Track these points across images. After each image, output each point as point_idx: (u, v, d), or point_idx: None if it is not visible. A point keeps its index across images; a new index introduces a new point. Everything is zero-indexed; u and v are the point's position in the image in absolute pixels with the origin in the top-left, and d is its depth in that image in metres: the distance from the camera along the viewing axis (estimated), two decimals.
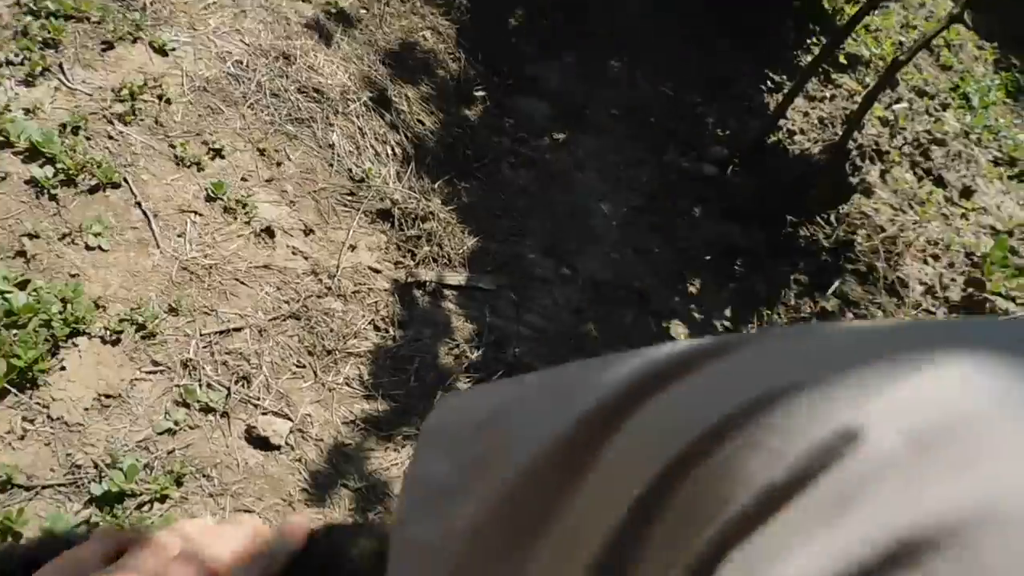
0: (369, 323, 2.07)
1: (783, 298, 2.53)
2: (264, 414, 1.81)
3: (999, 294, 2.68)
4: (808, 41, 3.70)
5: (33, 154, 2.03)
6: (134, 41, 2.40)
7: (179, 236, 2.03)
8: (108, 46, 2.36)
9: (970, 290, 2.72)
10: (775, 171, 2.71)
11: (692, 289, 2.48)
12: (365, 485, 1.76)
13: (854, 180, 2.82)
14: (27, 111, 2.13)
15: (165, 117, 2.25)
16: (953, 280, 2.77)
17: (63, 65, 2.26)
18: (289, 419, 1.81)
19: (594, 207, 2.59)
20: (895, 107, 3.51)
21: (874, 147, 3.27)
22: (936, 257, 2.84)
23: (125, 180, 2.07)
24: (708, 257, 2.55)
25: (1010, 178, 3.56)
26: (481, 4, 3.17)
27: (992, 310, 2.63)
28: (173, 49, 2.43)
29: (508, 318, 2.21)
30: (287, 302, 2.02)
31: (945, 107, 3.75)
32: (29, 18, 2.34)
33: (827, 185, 2.49)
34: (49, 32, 2.31)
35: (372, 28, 2.84)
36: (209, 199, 2.13)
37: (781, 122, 3.23)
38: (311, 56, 2.59)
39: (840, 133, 3.20)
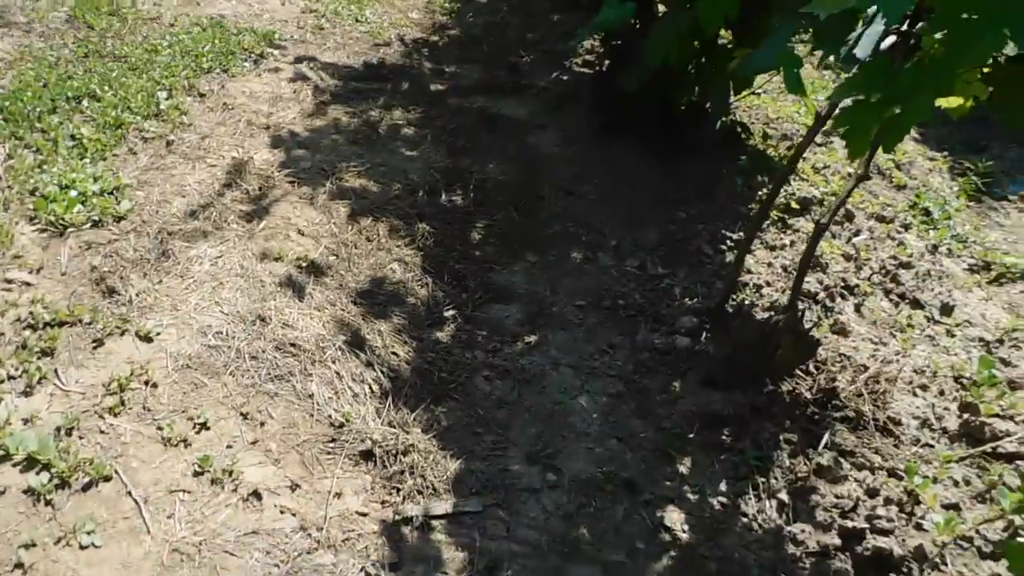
0: (361, 571, 2.08)
1: (776, 461, 2.50)
2: None
3: (996, 415, 2.63)
4: (759, 193, 3.87)
5: (30, 463, 2.16)
6: (122, 334, 2.60)
7: (169, 518, 2.11)
8: (98, 343, 2.56)
9: (966, 415, 2.67)
10: (744, 331, 2.76)
11: (682, 469, 2.47)
12: None
13: (816, 333, 2.86)
14: (25, 421, 2.29)
15: (152, 401, 2.40)
16: (947, 409, 2.73)
17: (58, 370, 2.45)
18: None
19: (572, 403, 2.65)
20: (855, 240, 3.61)
21: (842, 284, 3.33)
22: (925, 387, 2.82)
23: (116, 472, 2.18)
24: (692, 434, 2.56)
25: (989, 283, 3.58)
26: (442, 226, 3.40)
27: (993, 435, 2.57)
28: (158, 334, 2.62)
29: (499, 537, 2.21)
30: (277, 565, 2.05)
31: (907, 227, 3.84)
32: (28, 332, 2.56)
33: (790, 343, 2.53)
34: (45, 342, 2.51)
35: (342, 272, 3.05)
36: (196, 474, 2.22)
37: (747, 277, 3.33)
38: (285, 313, 2.77)
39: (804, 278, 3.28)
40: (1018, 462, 2.53)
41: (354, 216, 3.34)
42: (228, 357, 2.58)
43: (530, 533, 2.23)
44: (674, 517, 2.32)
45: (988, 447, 2.54)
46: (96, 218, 3.07)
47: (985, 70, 1.77)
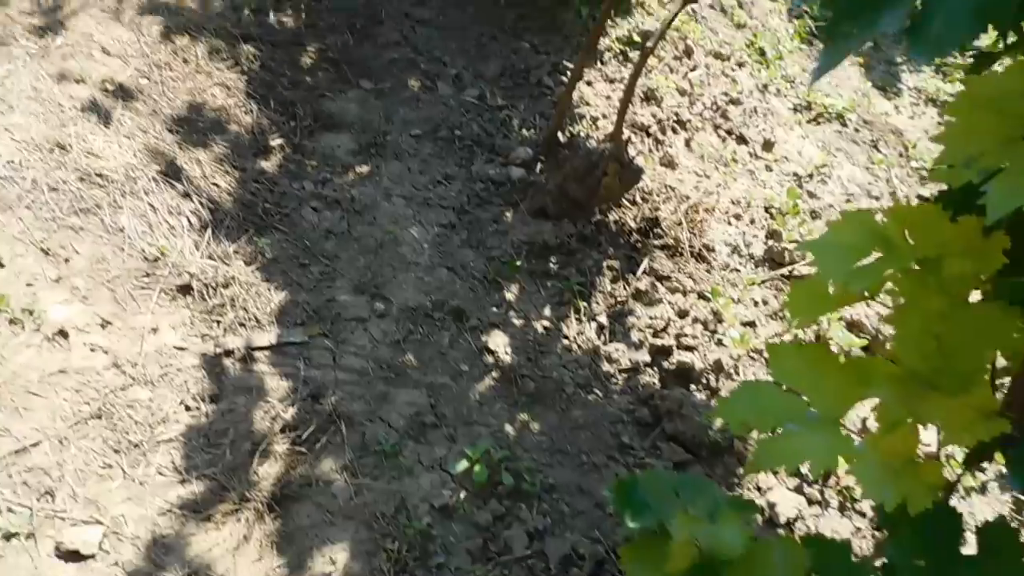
0: (180, 404, 2.01)
1: (598, 287, 2.58)
2: (73, 525, 1.74)
3: (795, 241, 2.80)
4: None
5: None
6: None
7: None
8: None
9: (770, 242, 2.83)
10: (573, 160, 2.74)
11: (509, 296, 2.50)
12: (187, 572, 1.72)
13: (645, 165, 2.89)
14: None
15: None
16: (755, 236, 2.87)
17: None
18: (100, 523, 1.75)
19: (403, 234, 2.58)
20: (691, 75, 3.60)
21: (675, 118, 3.35)
22: (738, 217, 2.94)
23: None
24: (520, 263, 2.57)
25: (808, 122, 3.71)
26: (270, 49, 3.10)
27: (791, 259, 2.74)
28: None
29: (324, 366, 2.18)
30: (87, 403, 1.94)
31: (741, 65, 3.87)
32: None
33: (614, 171, 2.54)
34: None
35: (155, 97, 2.74)
36: None
37: (584, 109, 3.28)
38: (89, 140, 2.48)
39: (640, 112, 3.27)
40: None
41: (168, 35, 2.98)
42: (22, 189, 2.30)
43: (356, 361, 2.22)
44: (498, 341, 2.36)
45: (786, 270, 2.72)
46: None
47: None
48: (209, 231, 2.39)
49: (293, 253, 2.43)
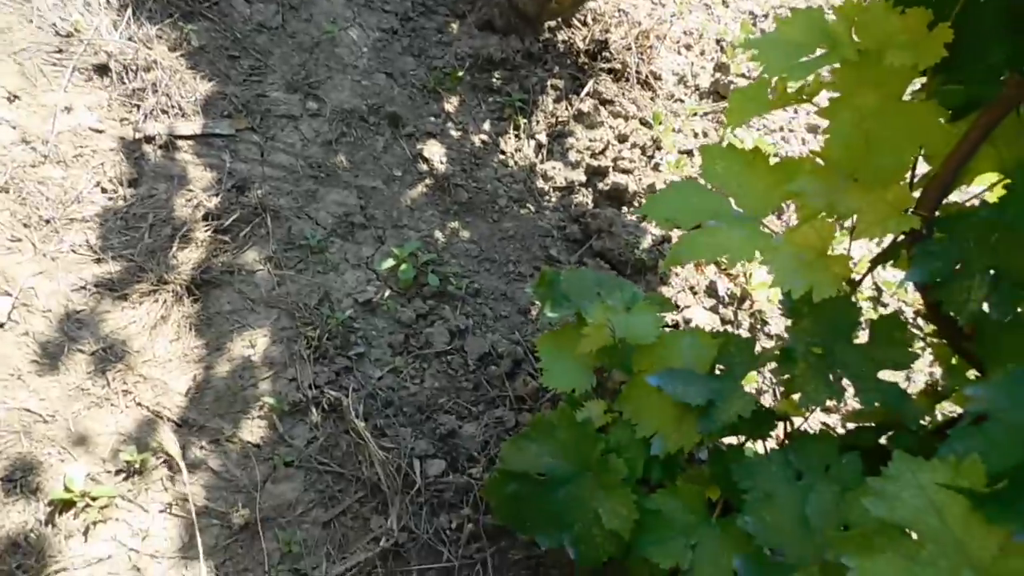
0: (95, 186, 1.88)
1: (541, 105, 2.45)
2: None
3: (741, 75, 2.70)
4: None
5: None
6: None
7: None
8: None
9: (717, 75, 2.72)
10: None
11: (449, 107, 2.36)
12: (102, 347, 1.66)
13: None
14: None
15: None
16: (703, 68, 2.75)
17: None
18: (9, 295, 1.65)
19: (342, 35, 2.39)
20: None
21: None
22: (689, 47, 2.80)
23: None
24: (461, 73, 2.41)
25: None
26: None
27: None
28: None
29: (251, 160, 2.05)
30: None
31: None
32: None
33: None
34: None
35: None
36: None
37: None
38: None
39: None
40: None
41: None
42: None
43: (285, 158, 2.09)
44: (434, 150, 2.25)
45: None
46: None
47: None
48: (129, 11, 2.16)
49: (222, 44, 2.23)
